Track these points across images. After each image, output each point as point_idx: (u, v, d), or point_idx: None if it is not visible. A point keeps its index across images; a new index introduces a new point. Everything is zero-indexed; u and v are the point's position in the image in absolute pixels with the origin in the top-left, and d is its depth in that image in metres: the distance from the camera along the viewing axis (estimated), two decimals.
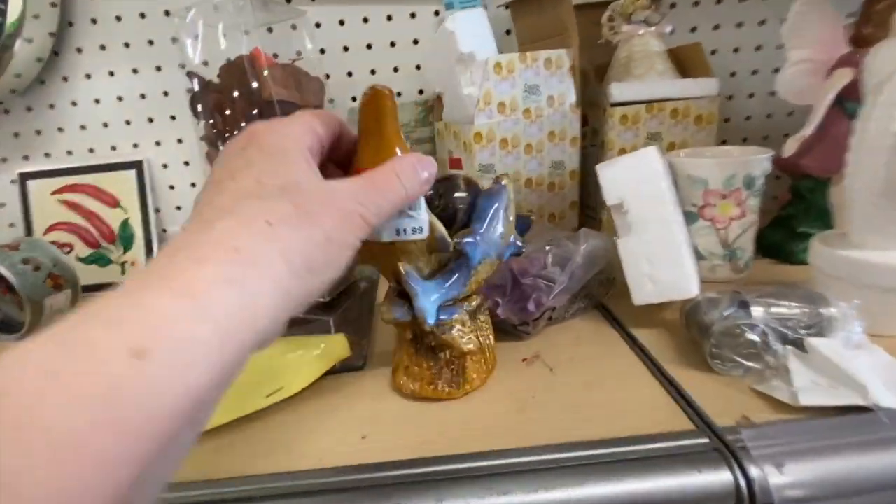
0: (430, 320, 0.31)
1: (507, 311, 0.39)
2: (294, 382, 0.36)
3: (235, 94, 0.51)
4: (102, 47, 0.65)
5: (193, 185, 0.71)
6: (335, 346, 0.38)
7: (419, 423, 0.33)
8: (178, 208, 0.72)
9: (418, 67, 0.66)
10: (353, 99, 0.68)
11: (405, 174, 0.24)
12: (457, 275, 0.32)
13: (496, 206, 0.33)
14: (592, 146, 0.59)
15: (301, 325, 0.49)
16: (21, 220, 0.69)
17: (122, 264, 0.69)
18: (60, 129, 0.69)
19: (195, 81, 0.52)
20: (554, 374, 0.37)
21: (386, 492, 0.28)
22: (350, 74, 0.67)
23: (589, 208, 0.63)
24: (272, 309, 0.17)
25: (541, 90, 0.51)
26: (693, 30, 0.68)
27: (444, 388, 0.35)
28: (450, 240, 0.31)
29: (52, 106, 0.67)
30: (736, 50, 0.70)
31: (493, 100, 0.49)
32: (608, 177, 0.41)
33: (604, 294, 0.46)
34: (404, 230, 0.29)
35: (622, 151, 0.55)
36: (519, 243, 0.36)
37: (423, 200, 0.28)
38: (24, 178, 0.69)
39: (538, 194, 0.54)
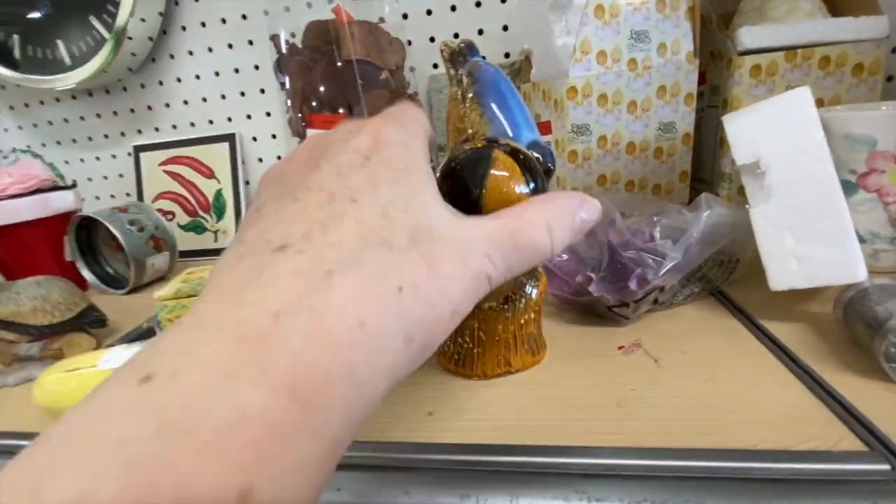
0: None
1: (601, 288, 0.33)
2: None
3: (317, 56, 0.49)
4: (203, 24, 0.68)
5: (279, 158, 0.73)
6: None
7: (493, 406, 0.28)
8: None
9: (505, 28, 0.61)
10: (435, 66, 0.64)
11: (559, 225, 0.18)
12: None
13: None
14: (711, 107, 0.50)
15: None
16: (135, 189, 0.76)
17: (216, 232, 0.73)
18: (167, 105, 0.74)
19: (280, 44, 0.51)
20: (660, 367, 0.30)
21: (452, 477, 0.24)
22: (433, 40, 0.63)
23: (701, 182, 0.53)
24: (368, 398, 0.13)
25: (650, 37, 0.43)
26: None
27: None
28: None
29: (160, 83, 0.72)
30: None
31: (591, 48, 0.43)
32: (740, 128, 0.33)
33: (724, 278, 0.38)
34: None
35: None
36: None
37: None
38: (138, 150, 0.75)
39: (642, 161, 0.47)
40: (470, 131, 0.26)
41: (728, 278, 0.38)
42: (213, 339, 0.11)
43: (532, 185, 0.22)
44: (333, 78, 0.49)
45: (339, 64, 0.48)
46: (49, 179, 0.61)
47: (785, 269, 0.31)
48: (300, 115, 0.51)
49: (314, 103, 0.50)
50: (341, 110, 0.49)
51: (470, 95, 0.25)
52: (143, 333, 0.48)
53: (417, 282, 0.14)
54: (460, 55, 0.24)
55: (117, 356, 0.31)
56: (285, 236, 0.13)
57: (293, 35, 0.56)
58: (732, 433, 0.24)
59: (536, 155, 0.25)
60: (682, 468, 0.23)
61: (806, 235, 0.30)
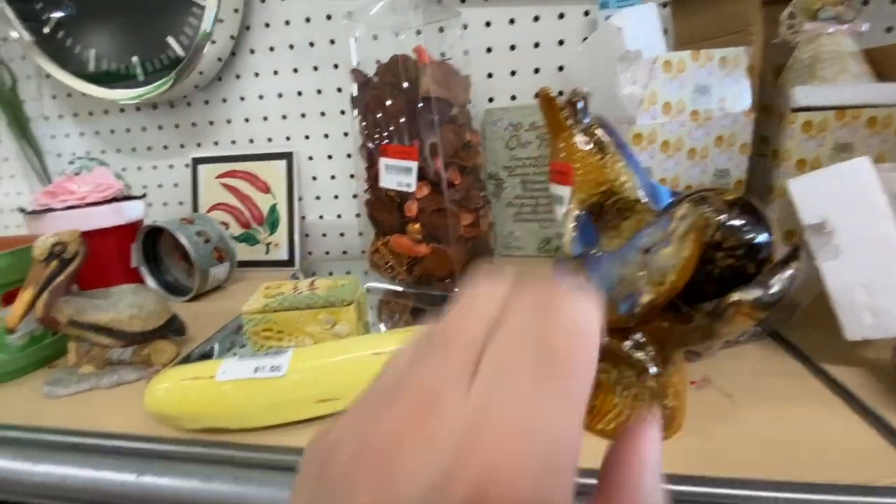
0: None
1: None
2: None
3: (393, 91, 0.53)
4: (271, 48, 0.72)
5: (333, 177, 0.76)
6: None
7: None
8: (318, 198, 0.77)
9: (561, 69, 0.65)
10: (490, 100, 0.68)
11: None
12: None
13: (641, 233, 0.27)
14: (760, 156, 0.53)
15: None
16: (189, 198, 0.79)
17: (268, 245, 0.76)
18: (228, 121, 0.77)
19: (357, 79, 0.55)
20: (733, 402, 0.33)
21: None
22: (490, 76, 0.67)
23: None
24: None
25: (712, 91, 0.47)
26: (889, 30, 0.59)
27: None
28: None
29: (224, 100, 0.76)
30: None
31: (658, 100, 0.46)
32: (806, 192, 0.36)
33: (783, 321, 0.40)
34: None
35: (801, 163, 0.49)
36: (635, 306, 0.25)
37: None
38: (196, 162, 0.79)
39: None
40: (617, 181, 0.28)
41: (788, 321, 0.41)
42: None
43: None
44: (408, 113, 0.52)
45: (417, 100, 0.52)
46: (122, 189, 0.65)
47: (860, 322, 0.34)
48: (372, 144, 0.55)
49: (388, 135, 0.53)
50: (414, 142, 0.52)
51: (606, 143, 0.28)
52: (231, 340, 0.50)
53: None
54: (583, 107, 0.27)
55: (233, 368, 0.33)
56: None
57: (358, 64, 0.59)
58: (814, 467, 0.27)
59: None
60: (771, 500, 0.25)
61: (879, 291, 0.33)
